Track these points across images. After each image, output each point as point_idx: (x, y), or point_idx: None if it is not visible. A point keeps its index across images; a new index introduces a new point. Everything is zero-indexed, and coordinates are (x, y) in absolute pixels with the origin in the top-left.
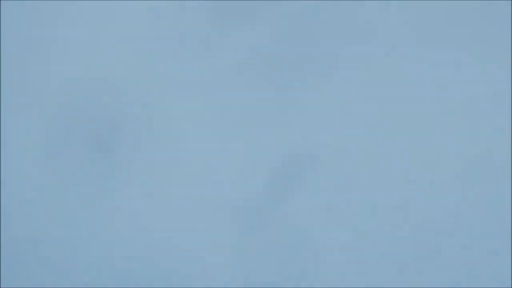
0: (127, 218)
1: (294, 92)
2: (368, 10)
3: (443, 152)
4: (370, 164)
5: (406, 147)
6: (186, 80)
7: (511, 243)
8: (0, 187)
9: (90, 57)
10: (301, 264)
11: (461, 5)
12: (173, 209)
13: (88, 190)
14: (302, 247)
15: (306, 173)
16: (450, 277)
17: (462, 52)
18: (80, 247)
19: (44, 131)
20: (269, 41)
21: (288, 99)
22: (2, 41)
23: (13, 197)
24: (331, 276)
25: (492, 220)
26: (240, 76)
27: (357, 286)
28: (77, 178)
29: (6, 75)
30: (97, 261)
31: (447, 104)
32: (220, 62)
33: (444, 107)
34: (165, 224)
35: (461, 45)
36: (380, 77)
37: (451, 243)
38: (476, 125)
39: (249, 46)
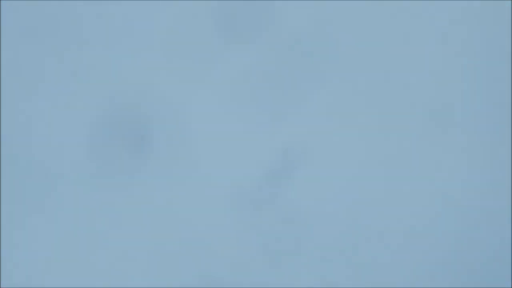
0: (153, 205)
1: (291, 95)
2: (361, 22)
3: (436, 149)
4: (361, 159)
5: (397, 143)
6: (200, 88)
7: (511, 243)
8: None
9: (129, 66)
10: (294, 255)
11: (460, 5)
12: (185, 196)
13: (123, 181)
14: (296, 234)
15: (299, 168)
16: (449, 277)
17: (460, 52)
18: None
19: (88, 130)
20: (268, 52)
21: (286, 101)
22: (55, 51)
23: (58, 189)
24: (322, 269)
25: (492, 220)
26: (245, 81)
27: (350, 282)
28: (115, 170)
29: (54, 84)
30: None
31: (440, 103)
32: (227, 69)
33: (436, 107)
34: (179, 209)
35: (460, 45)
36: (370, 78)
37: (448, 242)
38: (475, 126)
39: (251, 57)
